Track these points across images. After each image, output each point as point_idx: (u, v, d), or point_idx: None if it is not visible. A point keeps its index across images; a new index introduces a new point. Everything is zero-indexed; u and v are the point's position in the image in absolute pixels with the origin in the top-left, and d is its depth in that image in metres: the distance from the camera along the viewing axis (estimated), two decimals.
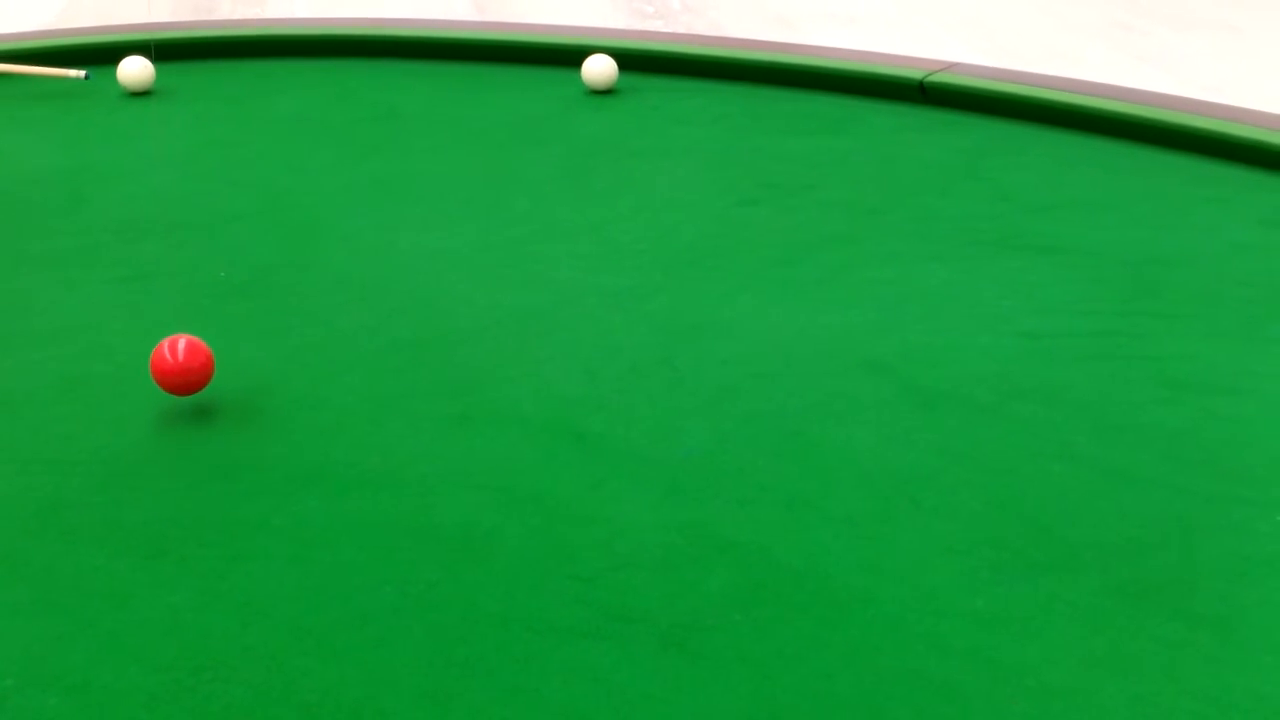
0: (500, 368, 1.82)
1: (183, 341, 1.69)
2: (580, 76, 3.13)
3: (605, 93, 3.10)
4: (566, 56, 3.27)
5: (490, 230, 2.32)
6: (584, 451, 1.61)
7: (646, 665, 1.24)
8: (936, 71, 2.93)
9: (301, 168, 2.67)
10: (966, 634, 1.28)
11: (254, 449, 1.63)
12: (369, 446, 1.63)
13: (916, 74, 2.94)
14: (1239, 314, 1.95)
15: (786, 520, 1.47)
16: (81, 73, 3.14)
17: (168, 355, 1.68)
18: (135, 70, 3.14)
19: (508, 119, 2.95)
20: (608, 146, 2.75)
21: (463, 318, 1.98)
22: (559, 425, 1.67)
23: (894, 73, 2.96)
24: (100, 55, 3.36)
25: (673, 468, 1.57)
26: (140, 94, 3.16)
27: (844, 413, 1.69)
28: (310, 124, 2.96)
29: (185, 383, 1.69)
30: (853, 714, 1.18)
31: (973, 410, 1.70)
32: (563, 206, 2.43)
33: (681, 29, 7.31)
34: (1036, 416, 1.68)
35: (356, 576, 1.38)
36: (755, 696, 1.20)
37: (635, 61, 3.20)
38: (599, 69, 3.07)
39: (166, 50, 3.41)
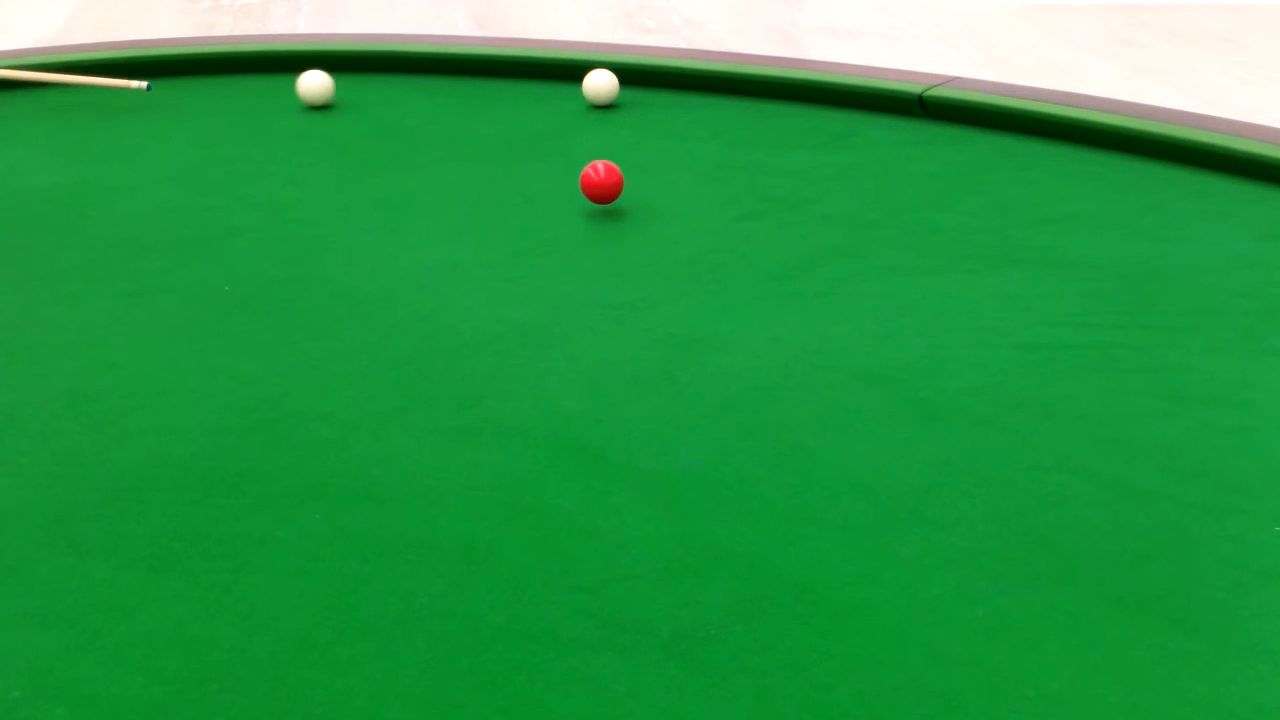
0: (502, 381, 1.83)
1: (602, 165, 2.40)
2: (581, 91, 3.15)
3: (606, 107, 3.11)
4: (567, 72, 3.29)
5: (492, 245, 2.33)
6: (586, 464, 1.62)
7: (648, 676, 1.25)
8: (936, 86, 2.95)
9: (304, 183, 2.69)
10: (966, 644, 1.29)
11: (258, 462, 1.64)
12: (372, 459, 1.64)
13: (916, 88, 2.95)
14: (1237, 326, 1.96)
15: (787, 531, 1.48)
16: (143, 84, 3.13)
17: (592, 173, 2.40)
18: (315, 83, 3.14)
19: (509, 134, 2.96)
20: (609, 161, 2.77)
21: (464, 332, 1.99)
22: (561, 438, 1.68)
23: (894, 87, 2.98)
24: (103, 70, 3.38)
25: (674, 480, 1.58)
26: (320, 107, 3.16)
27: (844, 425, 1.71)
28: (312, 139, 2.97)
29: (607, 194, 2.41)
30: None
31: (972, 422, 1.71)
32: (563, 221, 2.45)
33: (682, 44, 7.33)
34: (1035, 428, 1.69)
35: (360, 588, 1.39)
36: (756, 707, 1.21)
37: (636, 76, 3.22)
38: (599, 83, 3.09)
39: (169, 66, 3.42)
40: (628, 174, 2.68)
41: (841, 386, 1.81)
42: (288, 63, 3.46)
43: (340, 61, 3.45)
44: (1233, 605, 1.35)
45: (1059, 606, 1.35)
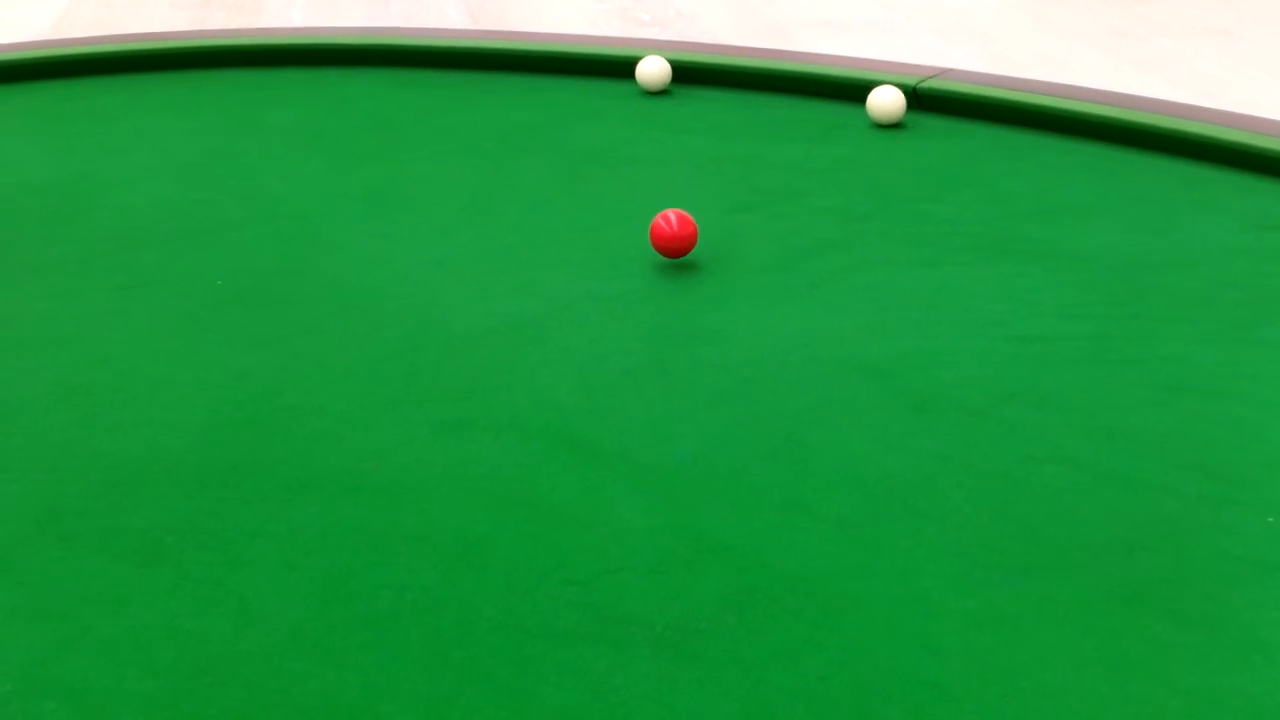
0: (495, 374, 1.83)
1: (673, 214, 2.13)
2: (637, 80, 3.13)
3: (660, 93, 3.10)
4: (561, 65, 3.28)
5: (484, 238, 2.33)
6: (578, 456, 1.62)
7: (641, 668, 1.25)
8: (930, 77, 2.95)
9: (297, 176, 2.68)
10: (959, 635, 1.29)
11: (250, 455, 1.64)
12: (365, 452, 1.64)
13: (910, 80, 2.95)
14: (1229, 317, 1.96)
15: (780, 523, 1.48)
16: None
17: (663, 224, 2.12)
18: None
19: (502, 127, 2.96)
20: (601, 154, 2.76)
21: (457, 324, 1.99)
22: (553, 431, 1.68)
23: (887, 79, 2.97)
24: (97, 66, 3.37)
25: (667, 472, 1.58)
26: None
27: (837, 417, 1.71)
28: (305, 133, 2.96)
29: (679, 248, 2.14)
30: (846, 715, 1.19)
31: (965, 414, 1.71)
32: (556, 214, 2.44)
33: (676, 37, 7.32)
34: (1028, 419, 1.69)
35: (353, 581, 1.39)
36: (749, 698, 1.21)
37: (628, 69, 3.21)
38: (652, 70, 3.08)
39: (163, 60, 3.41)
40: (623, 167, 2.68)
41: (834, 378, 1.81)
42: (281, 56, 3.45)
43: (333, 55, 3.44)
44: (1226, 596, 1.35)
45: (1052, 598, 1.35)
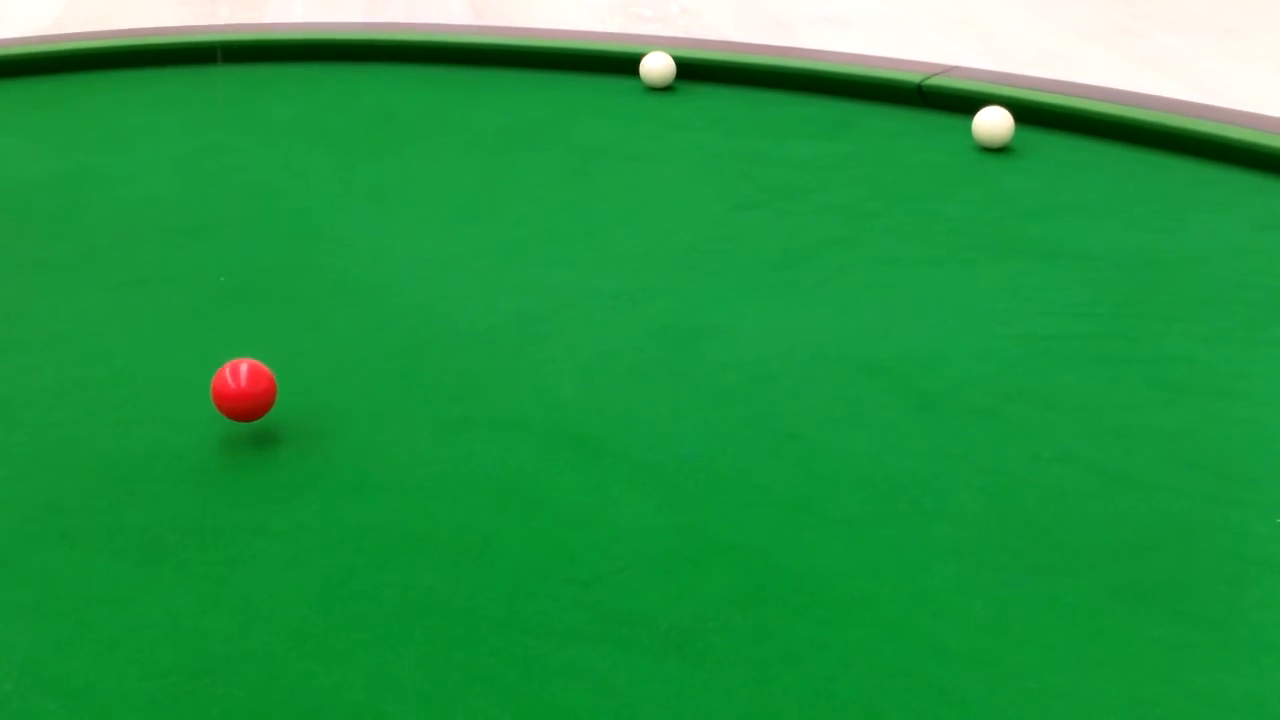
0: (498, 371, 1.83)
1: (245, 366, 1.63)
2: (641, 77, 3.13)
3: (665, 89, 3.10)
4: (565, 61, 3.28)
5: (488, 234, 2.32)
6: (583, 455, 1.61)
7: (646, 668, 1.24)
8: (935, 75, 2.94)
9: (299, 172, 2.68)
10: (965, 636, 1.28)
11: (252, 453, 1.63)
12: (367, 450, 1.63)
13: (915, 77, 2.94)
14: (1237, 317, 1.95)
15: (785, 523, 1.47)
16: None
17: (230, 380, 1.62)
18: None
19: (505, 123, 2.95)
20: (605, 150, 2.76)
21: (461, 322, 1.98)
22: (557, 429, 1.67)
23: (892, 76, 2.97)
24: (99, 61, 3.36)
25: (671, 471, 1.57)
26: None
27: (842, 416, 1.70)
28: (308, 128, 2.96)
29: (249, 408, 1.64)
30: (852, 716, 1.18)
31: (971, 413, 1.70)
32: (560, 211, 2.44)
33: (679, 33, 7.31)
34: (1034, 419, 1.68)
35: (356, 580, 1.38)
36: (755, 699, 1.20)
37: (633, 66, 3.20)
38: (656, 66, 3.07)
39: (166, 55, 3.41)
40: (627, 163, 2.67)
41: (840, 377, 1.80)
42: (284, 52, 3.44)
43: (337, 50, 3.43)
44: (1233, 597, 1.34)
45: (1059, 598, 1.34)
